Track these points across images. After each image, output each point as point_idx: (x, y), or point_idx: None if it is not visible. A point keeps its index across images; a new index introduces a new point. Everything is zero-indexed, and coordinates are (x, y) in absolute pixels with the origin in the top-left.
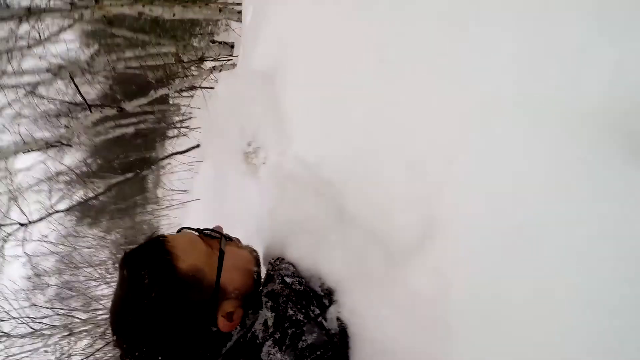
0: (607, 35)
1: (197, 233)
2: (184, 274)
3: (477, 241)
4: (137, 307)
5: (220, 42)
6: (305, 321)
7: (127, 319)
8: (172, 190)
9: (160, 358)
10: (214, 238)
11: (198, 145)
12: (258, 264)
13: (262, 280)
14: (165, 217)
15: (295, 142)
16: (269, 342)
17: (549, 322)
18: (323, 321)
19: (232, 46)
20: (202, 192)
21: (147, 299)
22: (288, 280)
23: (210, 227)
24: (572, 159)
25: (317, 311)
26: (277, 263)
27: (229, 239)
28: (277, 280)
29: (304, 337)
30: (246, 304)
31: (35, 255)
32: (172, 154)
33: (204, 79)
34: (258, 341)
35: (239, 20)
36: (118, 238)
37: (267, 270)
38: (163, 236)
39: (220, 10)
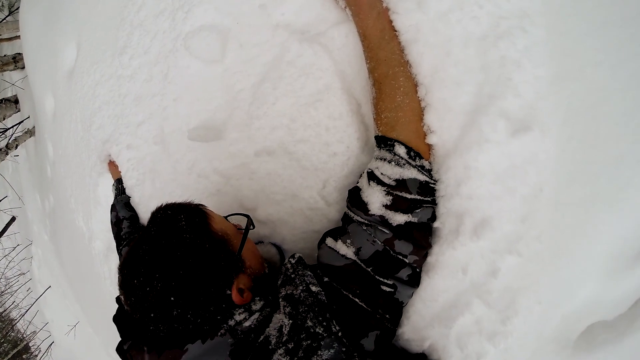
0: None
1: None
2: (215, 233)
3: None
4: (166, 243)
5: (1, 101)
6: (325, 335)
7: (151, 252)
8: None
9: (172, 299)
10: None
11: (14, 219)
12: (267, 262)
13: (279, 280)
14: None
15: None
16: (281, 351)
17: None
18: (344, 339)
19: (16, 101)
20: (49, 276)
21: (177, 238)
22: (314, 289)
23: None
24: None
25: (339, 327)
26: (299, 267)
27: (251, 220)
28: (301, 287)
29: (319, 352)
30: (255, 288)
31: None
32: None
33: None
34: (270, 347)
35: (17, 68)
36: None
37: (285, 271)
38: (200, 204)
39: None
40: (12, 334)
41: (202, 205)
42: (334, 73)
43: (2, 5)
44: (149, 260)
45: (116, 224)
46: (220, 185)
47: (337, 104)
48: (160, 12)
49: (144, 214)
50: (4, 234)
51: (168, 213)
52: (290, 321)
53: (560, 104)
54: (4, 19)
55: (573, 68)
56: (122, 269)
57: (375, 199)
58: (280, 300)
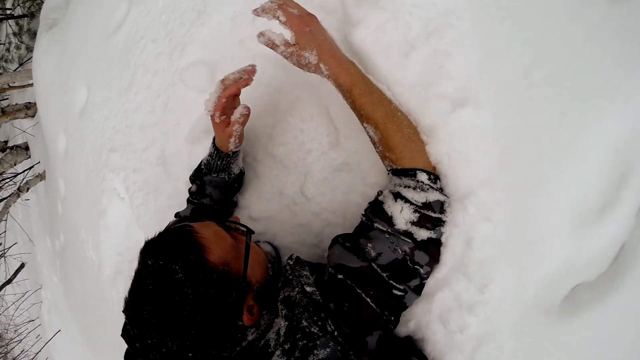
0: None
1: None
2: (214, 267)
3: None
4: (169, 303)
5: (12, 148)
6: (320, 334)
7: (157, 315)
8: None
9: (190, 355)
10: (232, 229)
11: (23, 265)
12: (271, 262)
13: (280, 282)
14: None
15: None
16: (278, 352)
17: None
18: (339, 338)
19: (27, 147)
20: (59, 320)
21: (179, 295)
22: (308, 289)
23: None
24: None
25: (334, 326)
26: (297, 267)
27: (251, 232)
28: (297, 289)
29: (315, 351)
30: (261, 299)
31: None
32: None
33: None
34: (270, 350)
35: (27, 116)
36: None
37: (285, 272)
38: (190, 226)
39: (3, 112)
40: None
41: (191, 229)
42: (303, 85)
43: (12, 58)
44: (157, 324)
45: (200, 189)
46: None
47: (307, 109)
48: (160, 53)
49: (149, 232)
50: (13, 281)
51: (160, 264)
52: (286, 323)
53: (491, 79)
54: (16, 69)
55: (500, 47)
56: (132, 327)
57: (402, 215)
58: (278, 303)
